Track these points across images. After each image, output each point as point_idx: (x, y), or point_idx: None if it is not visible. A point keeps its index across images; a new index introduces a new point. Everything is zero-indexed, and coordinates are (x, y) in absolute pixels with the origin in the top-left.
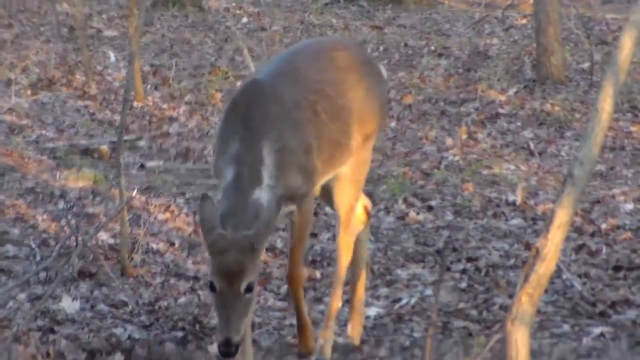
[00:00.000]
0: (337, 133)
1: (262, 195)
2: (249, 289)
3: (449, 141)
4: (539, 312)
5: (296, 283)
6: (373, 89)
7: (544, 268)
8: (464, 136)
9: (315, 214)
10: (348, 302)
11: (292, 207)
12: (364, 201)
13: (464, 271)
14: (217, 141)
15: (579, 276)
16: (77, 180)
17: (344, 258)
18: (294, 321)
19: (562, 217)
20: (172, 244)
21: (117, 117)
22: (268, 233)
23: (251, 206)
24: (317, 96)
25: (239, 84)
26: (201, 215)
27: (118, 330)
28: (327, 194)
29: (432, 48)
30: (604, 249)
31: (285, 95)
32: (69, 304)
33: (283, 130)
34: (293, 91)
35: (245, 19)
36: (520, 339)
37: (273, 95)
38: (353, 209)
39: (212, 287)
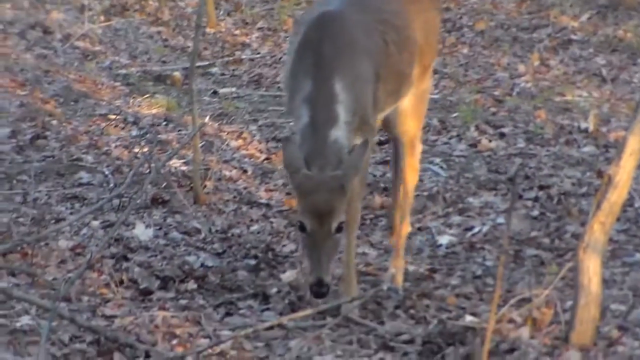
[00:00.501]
0: (402, 64)
1: (340, 134)
2: (339, 228)
3: (521, 68)
4: (611, 240)
5: (351, 216)
6: (433, 19)
7: (616, 196)
8: (536, 63)
9: (387, 141)
10: (420, 229)
11: (358, 139)
12: None
13: (536, 199)
14: (290, 77)
15: None
16: (150, 106)
17: (411, 181)
18: (366, 249)
19: (634, 144)
20: (245, 171)
21: (190, 44)
22: (356, 174)
23: (330, 148)
24: (385, 26)
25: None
26: (285, 157)
27: (191, 258)
28: (388, 123)
29: None
30: None
31: (356, 27)
32: (142, 231)
33: (354, 60)
34: (364, 22)
35: None
36: (592, 267)
37: (345, 26)
38: (417, 136)
39: (302, 228)
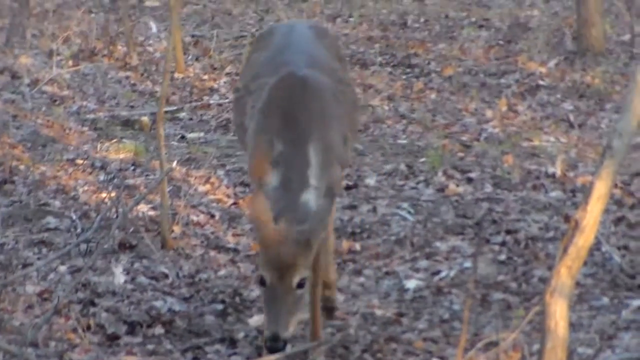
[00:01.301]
0: (358, 122)
1: (310, 197)
2: (301, 284)
3: (489, 113)
4: (578, 284)
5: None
6: None
7: (583, 240)
8: (504, 108)
9: (355, 186)
10: (387, 273)
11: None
12: None
13: (503, 243)
14: (254, 137)
15: (618, 248)
16: (118, 151)
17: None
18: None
19: (601, 189)
20: (213, 216)
21: (158, 88)
22: (322, 229)
23: (301, 208)
24: (342, 86)
25: None
26: (254, 209)
27: (158, 303)
28: None
29: (473, 19)
30: None
31: (324, 89)
32: (118, 275)
33: (327, 127)
34: (328, 84)
35: None
36: (559, 312)
37: (314, 90)
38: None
39: (261, 282)
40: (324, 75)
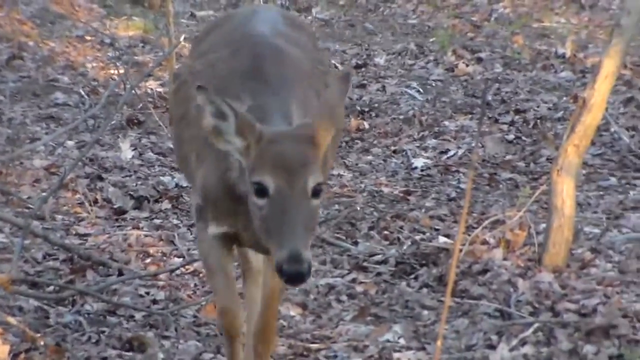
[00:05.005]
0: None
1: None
2: (316, 192)
3: None
4: (585, 164)
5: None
6: None
7: (591, 118)
8: None
9: (365, 65)
10: (395, 152)
11: None
12: None
13: (512, 123)
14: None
15: (627, 129)
16: (127, 28)
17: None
18: (342, 171)
19: (609, 67)
20: None
21: None
22: (332, 121)
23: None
24: (321, 66)
25: None
26: (233, 111)
27: (165, 178)
28: None
29: None
30: None
31: (301, 62)
32: (127, 150)
33: (308, 96)
34: (306, 59)
35: None
36: (566, 190)
37: (290, 58)
38: None
39: (260, 192)
40: (301, 52)
